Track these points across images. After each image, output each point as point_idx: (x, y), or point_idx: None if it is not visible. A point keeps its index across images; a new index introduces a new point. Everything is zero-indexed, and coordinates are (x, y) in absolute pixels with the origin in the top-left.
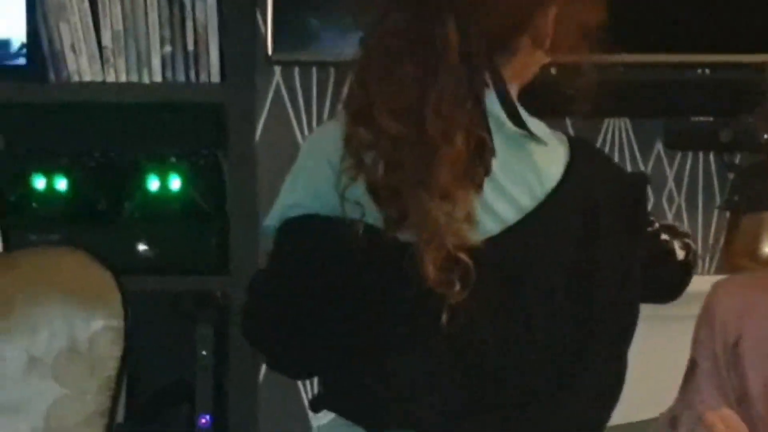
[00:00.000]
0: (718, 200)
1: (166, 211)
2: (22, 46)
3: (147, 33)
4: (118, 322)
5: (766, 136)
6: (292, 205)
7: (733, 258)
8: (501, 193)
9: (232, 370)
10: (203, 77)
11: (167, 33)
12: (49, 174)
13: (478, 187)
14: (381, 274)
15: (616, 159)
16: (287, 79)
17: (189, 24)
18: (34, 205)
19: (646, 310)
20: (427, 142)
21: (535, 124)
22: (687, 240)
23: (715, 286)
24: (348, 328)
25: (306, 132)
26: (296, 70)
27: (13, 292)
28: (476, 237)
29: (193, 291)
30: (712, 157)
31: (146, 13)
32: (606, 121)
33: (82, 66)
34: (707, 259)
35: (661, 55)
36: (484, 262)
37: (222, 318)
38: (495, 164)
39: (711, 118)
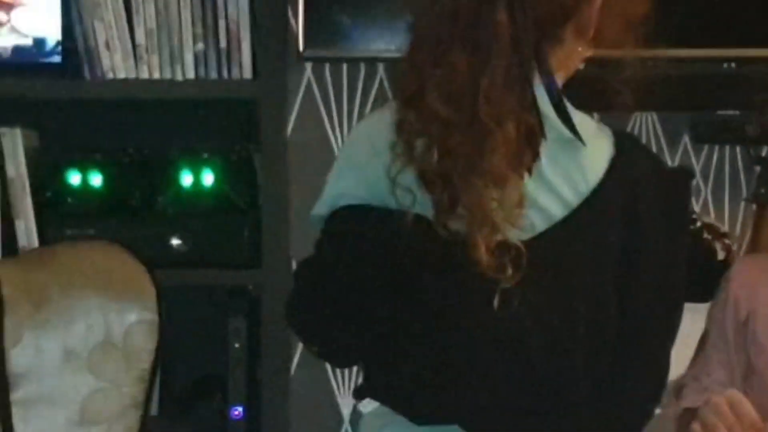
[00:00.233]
0: (744, 193)
1: (199, 205)
2: (58, 43)
3: (180, 30)
4: (152, 316)
5: None
6: (341, 194)
7: (760, 250)
8: (547, 188)
9: (264, 363)
10: (235, 74)
11: (200, 30)
12: (84, 170)
13: (528, 172)
14: (430, 264)
15: None
16: (318, 75)
17: (221, 21)
18: (69, 200)
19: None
20: (478, 128)
21: (580, 117)
22: (727, 241)
23: (735, 264)
24: (395, 318)
25: (336, 127)
26: (327, 66)
27: (50, 285)
28: (524, 232)
29: (225, 284)
30: (738, 150)
31: (179, 11)
32: (634, 115)
33: (116, 63)
34: (734, 250)
35: (687, 50)
36: (531, 258)
37: (254, 311)
38: (542, 157)
39: (737, 112)
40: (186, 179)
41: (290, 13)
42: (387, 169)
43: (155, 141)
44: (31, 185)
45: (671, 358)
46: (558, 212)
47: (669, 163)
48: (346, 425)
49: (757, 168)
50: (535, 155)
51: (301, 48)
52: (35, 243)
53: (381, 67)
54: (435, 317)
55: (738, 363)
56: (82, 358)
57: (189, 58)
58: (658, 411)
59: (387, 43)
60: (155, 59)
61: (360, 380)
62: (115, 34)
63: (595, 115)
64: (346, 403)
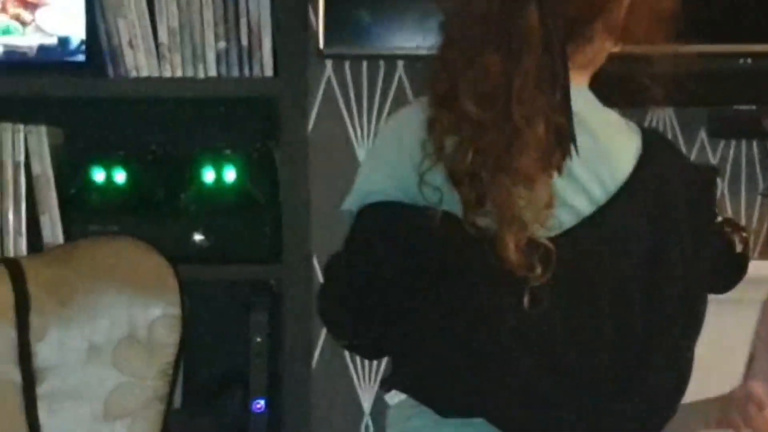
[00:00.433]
0: (760, 187)
1: (221, 202)
2: (82, 42)
3: (202, 29)
4: (175, 310)
5: None
6: (371, 190)
7: None
8: (576, 186)
9: (285, 356)
10: (257, 72)
11: (221, 29)
12: (108, 167)
13: (558, 171)
14: (460, 260)
15: None
16: (338, 72)
17: (243, 20)
18: (93, 197)
19: None
20: (509, 128)
21: (607, 114)
22: (744, 234)
23: None
24: (424, 313)
25: (356, 123)
26: (347, 63)
27: (74, 281)
28: (552, 229)
29: (247, 279)
30: (754, 144)
31: (201, 10)
32: (650, 110)
33: (139, 62)
34: (751, 244)
35: (704, 46)
36: (558, 255)
37: (276, 305)
38: (572, 156)
39: (753, 107)
40: (208, 176)
41: (310, 12)
42: (416, 166)
43: (178, 138)
44: (56, 182)
45: (695, 353)
46: (586, 209)
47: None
48: (367, 418)
49: None
50: (565, 155)
51: (321, 46)
52: (60, 239)
53: (400, 64)
54: (463, 313)
55: None
56: (107, 353)
57: (211, 57)
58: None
59: (406, 40)
60: (178, 58)
61: (381, 372)
62: (138, 33)
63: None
64: (366, 396)
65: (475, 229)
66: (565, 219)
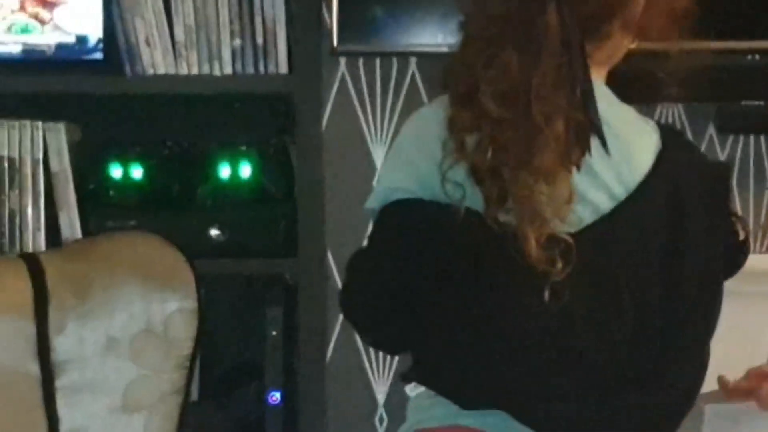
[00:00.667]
0: None
1: (237, 197)
2: (99, 41)
3: (218, 27)
4: (191, 304)
5: None
6: (393, 188)
7: None
8: (596, 182)
9: (300, 349)
10: (272, 69)
11: (237, 27)
12: (125, 163)
13: (577, 167)
14: (482, 255)
15: None
16: (352, 69)
17: (258, 18)
18: (110, 193)
19: None
20: (529, 125)
21: (625, 110)
22: (744, 223)
23: None
24: (446, 309)
25: (370, 120)
26: (360, 61)
27: (92, 276)
28: (572, 225)
29: (263, 273)
30: (763, 139)
31: (217, 9)
32: (659, 105)
33: (156, 59)
34: (759, 238)
35: (712, 42)
36: (579, 250)
37: (291, 299)
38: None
39: (762, 102)
40: (224, 172)
41: (324, 10)
42: (437, 164)
43: (194, 134)
44: (74, 178)
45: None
46: (606, 206)
47: None
48: (381, 409)
49: None
50: (584, 151)
51: (335, 43)
52: (78, 234)
53: (413, 61)
54: (485, 308)
55: None
56: (124, 347)
57: (227, 54)
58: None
59: (418, 37)
60: (194, 55)
61: (395, 365)
62: (155, 31)
63: None
64: (380, 388)
65: (497, 225)
66: (584, 215)
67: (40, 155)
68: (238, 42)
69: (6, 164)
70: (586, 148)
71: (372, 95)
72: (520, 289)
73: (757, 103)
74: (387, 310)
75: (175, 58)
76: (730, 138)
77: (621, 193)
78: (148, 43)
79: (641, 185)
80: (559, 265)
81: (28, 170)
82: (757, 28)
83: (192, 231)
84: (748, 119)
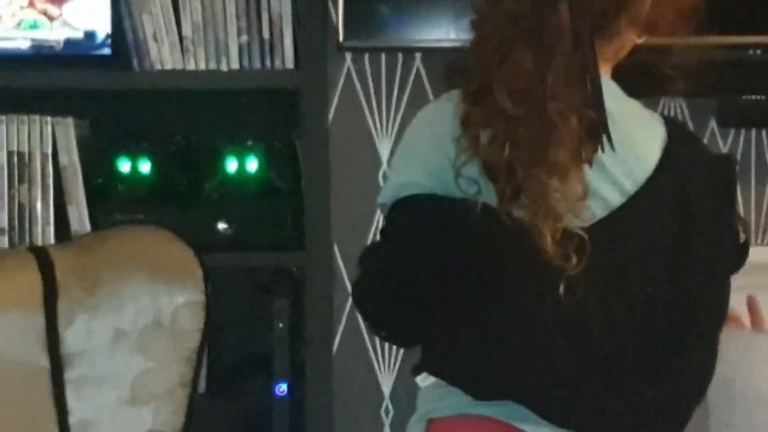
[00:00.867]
0: None
1: (244, 191)
2: (107, 36)
3: (225, 23)
4: (199, 297)
5: None
6: (406, 183)
7: None
8: (607, 178)
9: (307, 342)
10: (278, 64)
11: (244, 23)
12: (133, 157)
13: (589, 163)
14: (497, 250)
15: None
16: (358, 65)
17: (264, 14)
18: (119, 187)
19: None
20: (544, 123)
21: (632, 105)
22: (745, 224)
23: None
24: (462, 302)
25: (375, 115)
26: (366, 56)
27: (101, 269)
28: (585, 220)
29: (269, 267)
30: (764, 134)
31: (224, 5)
32: (661, 100)
33: (163, 55)
34: (760, 232)
35: (714, 37)
36: (592, 244)
37: (297, 292)
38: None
39: (763, 97)
40: (231, 166)
41: (330, 5)
42: (450, 159)
43: (201, 129)
44: (83, 173)
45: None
46: (616, 200)
47: None
48: (387, 401)
49: None
50: (596, 148)
51: (341, 39)
52: (87, 228)
53: (418, 57)
54: (500, 302)
55: None
56: (133, 339)
57: (234, 50)
58: None
59: (424, 33)
60: (201, 51)
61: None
62: (162, 27)
63: None
64: (386, 380)
65: (510, 221)
66: (596, 210)
67: (49, 150)
68: (244, 38)
69: (15, 159)
70: (598, 144)
71: (377, 90)
72: (535, 284)
73: (758, 97)
74: (402, 303)
75: (183, 53)
76: (732, 132)
77: (630, 186)
78: (155, 39)
79: (649, 179)
80: (574, 259)
81: (38, 165)
82: (758, 22)
83: (199, 225)
84: (749, 113)
